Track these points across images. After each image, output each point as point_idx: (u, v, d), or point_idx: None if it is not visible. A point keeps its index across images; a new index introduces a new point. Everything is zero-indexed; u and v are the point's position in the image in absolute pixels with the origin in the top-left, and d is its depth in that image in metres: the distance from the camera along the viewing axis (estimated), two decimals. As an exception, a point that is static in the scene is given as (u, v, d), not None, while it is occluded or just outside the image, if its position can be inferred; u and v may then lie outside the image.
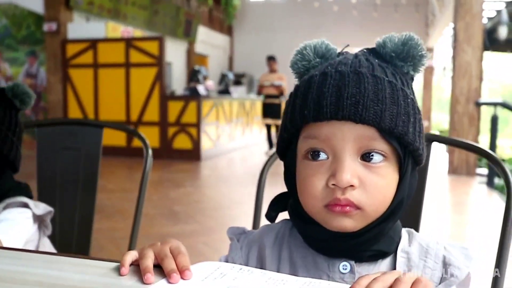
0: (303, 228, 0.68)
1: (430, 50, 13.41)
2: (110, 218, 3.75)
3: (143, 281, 0.56)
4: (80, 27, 7.79)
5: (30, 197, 1.08)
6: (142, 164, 1.27)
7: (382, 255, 0.66)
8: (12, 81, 8.18)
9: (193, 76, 8.32)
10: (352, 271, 0.65)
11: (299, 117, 0.62)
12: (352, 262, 0.65)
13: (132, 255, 0.61)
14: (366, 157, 0.60)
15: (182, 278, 0.58)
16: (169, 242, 0.63)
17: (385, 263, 0.67)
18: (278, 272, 0.67)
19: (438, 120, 15.99)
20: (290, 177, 0.69)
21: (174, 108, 7.36)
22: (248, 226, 3.21)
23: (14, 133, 1.06)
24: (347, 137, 0.59)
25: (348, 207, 0.60)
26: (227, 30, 14.56)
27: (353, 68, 0.61)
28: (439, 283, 0.64)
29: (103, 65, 7.59)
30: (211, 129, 7.71)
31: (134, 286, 0.56)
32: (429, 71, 13.65)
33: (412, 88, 0.66)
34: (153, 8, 9.95)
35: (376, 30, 13.54)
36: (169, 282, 0.57)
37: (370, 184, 0.60)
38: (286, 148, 0.69)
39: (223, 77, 9.76)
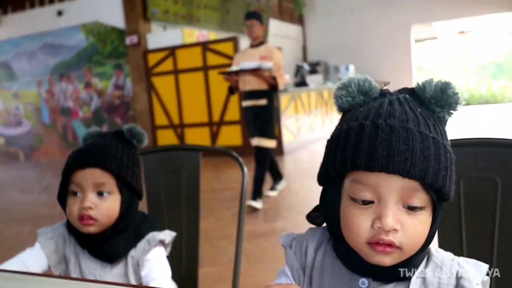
0: (337, 246, 0.76)
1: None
2: (203, 218, 3.95)
3: None
4: (159, 36, 8.14)
5: (157, 227, 1.21)
6: (227, 163, 1.37)
7: (401, 278, 0.72)
8: (104, 94, 8.80)
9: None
10: (369, 286, 0.72)
11: (350, 164, 0.68)
12: (370, 280, 0.72)
13: None
14: (408, 206, 0.68)
15: None
16: (292, 285, 0.69)
17: (404, 284, 0.73)
18: (310, 275, 0.78)
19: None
20: (330, 204, 0.75)
21: (253, 106, 7.49)
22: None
23: (137, 167, 1.18)
24: (393, 187, 0.66)
25: (389, 248, 0.67)
26: (298, 19, 14.45)
27: (402, 124, 0.67)
28: None
29: (182, 70, 7.90)
30: (291, 122, 7.76)
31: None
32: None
33: (446, 135, 0.72)
34: (224, 8, 10.14)
35: (457, 1, 12.73)
36: None
37: (410, 228, 0.67)
38: (327, 180, 0.75)
39: (298, 69, 9.76)
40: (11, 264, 1.10)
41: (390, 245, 0.67)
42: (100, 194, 1.10)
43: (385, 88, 0.76)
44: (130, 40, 8.06)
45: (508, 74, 18.28)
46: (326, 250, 0.78)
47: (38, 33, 9.19)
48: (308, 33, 14.77)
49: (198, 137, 7.96)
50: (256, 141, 4.50)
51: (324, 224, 0.81)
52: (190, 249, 1.36)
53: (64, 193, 1.13)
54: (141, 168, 1.21)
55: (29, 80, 9.62)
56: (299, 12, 13.91)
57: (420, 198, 0.67)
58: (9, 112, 10.08)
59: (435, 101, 0.70)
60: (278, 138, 7.31)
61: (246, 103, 4.54)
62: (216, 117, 7.78)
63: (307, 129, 8.49)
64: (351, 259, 0.74)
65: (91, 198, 1.09)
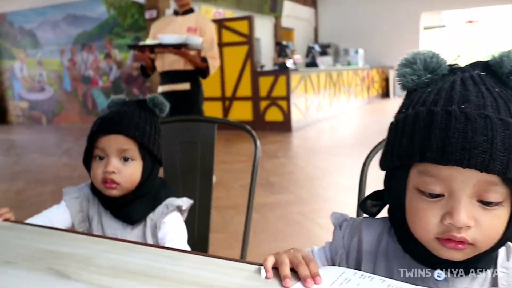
0: (405, 241, 0.68)
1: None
2: (214, 188, 3.97)
3: (282, 284, 0.62)
4: (177, 12, 8.04)
5: (174, 194, 1.22)
6: (238, 137, 1.38)
7: (478, 269, 0.65)
8: (123, 65, 8.78)
9: (281, 51, 8.31)
10: (446, 279, 0.65)
11: (418, 155, 0.58)
12: (448, 273, 0.64)
13: (271, 261, 0.66)
14: (483, 201, 0.58)
15: (314, 283, 0.62)
16: (299, 250, 0.67)
17: (482, 276, 0.66)
18: (373, 269, 0.70)
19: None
20: (394, 194, 0.67)
21: (265, 83, 7.46)
22: (338, 195, 3.26)
23: (159, 136, 1.18)
24: (468, 181, 0.57)
25: (461, 245, 0.59)
26: (311, 2, 14.22)
27: (479, 110, 0.56)
28: None
29: (198, 46, 7.83)
30: (300, 101, 7.72)
31: (277, 288, 0.61)
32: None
33: None
34: (241, -13, 9.99)
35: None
36: (304, 286, 0.61)
37: (485, 225, 0.58)
38: (391, 168, 0.67)
39: (309, 50, 9.65)
40: (37, 219, 1.11)
41: (462, 242, 0.58)
42: (123, 159, 1.10)
43: (455, 63, 0.65)
44: (149, 14, 7.98)
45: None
46: (388, 242, 0.71)
47: (62, 3, 9.14)
48: (321, 15, 14.56)
49: (210, 111, 7.95)
50: None
51: (381, 215, 0.74)
52: (202, 216, 1.37)
53: (89, 157, 1.13)
54: (161, 137, 1.21)
55: (53, 48, 9.62)
56: (313, -6, 13.65)
57: (498, 192, 0.57)
58: (33, 78, 10.12)
59: None
60: (287, 115, 7.31)
61: (163, 88, 3.41)
62: (228, 93, 7.75)
63: (315, 108, 8.44)
64: (420, 252, 0.66)
65: (115, 163, 1.09)
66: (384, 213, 0.75)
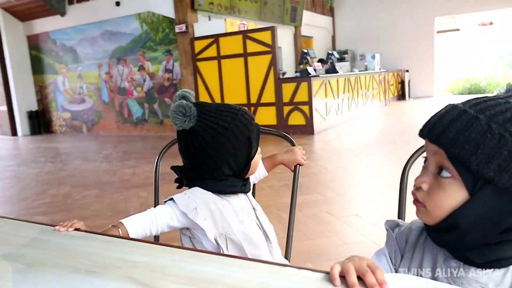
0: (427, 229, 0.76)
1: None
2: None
3: None
4: (204, 25, 8.11)
5: None
6: (264, 140, 1.37)
7: (492, 265, 0.67)
8: (155, 76, 8.90)
9: (302, 58, 8.27)
10: (459, 269, 0.70)
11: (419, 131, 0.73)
12: (461, 264, 0.69)
13: (338, 269, 0.65)
14: (439, 171, 0.68)
15: None
16: (364, 258, 0.66)
17: (498, 276, 0.67)
18: (410, 259, 0.76)
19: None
20: None
21: (287, 89, 7.44)
22: (363, 194, 3.20)
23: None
24: (430, 152, 0.69)
25: (417, 202, 0.71)
26: (329, 11, 14.14)
27: (459, 104, 0.68)
28: None
29: (224, 56, 7.88)
30: (321, 105, 7.67)
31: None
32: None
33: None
34: (262, 0, 10.01)
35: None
36: None
37: (434, 193, 0.68)
38: None
39: (328, 57, 9.58)
40: (135, 223, 1.06)
41: (417, 200, 0.70)
42: None
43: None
44: (179, 28, 8.08)
45: (525, 64, 17.49)
46: (427, 236, 0.76)
47: (99, 21, 9.33)
48: (338, 23, 14.45)
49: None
50: None
51: None
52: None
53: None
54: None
55: (91, 63, 9.82)
56: (330, 4, 13.60)
57: (447, 167, 0.66)
58: (74, 91, 10.36)
59: None
60: (309, 119, 7.28)
61: None
62: (253, 99, 7.77)
63: (335, 112, 8.38)
64: (430, 234, 0.73)
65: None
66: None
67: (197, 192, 1.12)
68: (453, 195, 0.65)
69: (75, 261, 0.78)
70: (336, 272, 0.64)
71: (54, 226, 0.97)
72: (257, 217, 1.19)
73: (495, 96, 0.68)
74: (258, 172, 1.35)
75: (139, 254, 0.80)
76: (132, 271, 0.72)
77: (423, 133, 0.70)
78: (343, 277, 0.64)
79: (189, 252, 0.79)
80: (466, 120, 0.63)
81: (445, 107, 0.68)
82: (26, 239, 0.92)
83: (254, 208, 1.20)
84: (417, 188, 0.69)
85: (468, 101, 0.67)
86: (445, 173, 0.66)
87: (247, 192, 1.19)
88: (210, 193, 1.12)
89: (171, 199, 1.11)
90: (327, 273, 0.66)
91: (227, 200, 1.14)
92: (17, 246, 0.89)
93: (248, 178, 1.20)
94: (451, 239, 0.68)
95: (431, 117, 0.69)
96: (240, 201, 1.17)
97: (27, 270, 0.76)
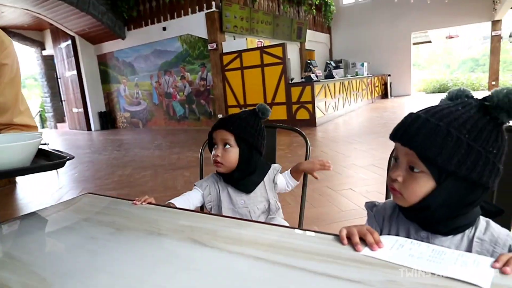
0: (400, 209, 0.74)
1: (497, 22, 11.21)
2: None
3: (355, 249, 0.62)
4: (230, 43, 8.05)
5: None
6: (282, 132, 1.36)
7: (452, 232, 0.68)
8: (193, 83, 8.92)
9: (306, 67, 8.17)
10: (428, 238, 0.69)
11: (391, 136, 0.70)
12: (429, 233, 0.70)
13: (345, 232, 0.66)
14: (410, 167, 0.66)
15: (378, 247, 0.62)
16: (363, 225, 0.67)
17: (457, 240, 0.68)
18: (389, 231, 0.74)
19: (505, 79, 13.52)
20: None
21: (295, 92, 7.37)
22: (356, 173, 3.18)
23: (256, 130, 1.14)
24: (403, 153, 0.67)
25: (395, 192, 0.69)
26: (327, 29, 13.86)
27: (423, 115, 0.65)
28: None
29: (246, 67, 7.82)
30: (321, 103, 7.59)
31: (351, 252, 0.62)
32: (497, 39, 11.48)
33: (484, 135, 0.62)
34: (275, 22, 9.87)
35: (448, 12, 11.71)
36: (371, 250, 0.61)
37: (408, 184, 0.67)
38: None
39: (327, 65, 9.43)
40: (180, 199, 1.13)
41: (395, 189, 0.68)
42: (225, 146, 1.11)
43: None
44: (211, 46, 8.06)
45: (483, 68, 16.97)
46: (399, 212, 0.75)
47: (150, 42, 9.36)
48: (334, 39, 14.17)
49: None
50: None
51: None
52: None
53: (211, 145, 1.17)
54: (262, 132, 1.17)
55: (145, 74, 9.89)
56: (328, 24, 13.34)
57: (418, 165, 0.64)
58: (132, 96, 10.48)
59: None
60: (312, 114, 7.22)
61: None
62: (269, 99, 7.73)
63: (333, 108, 8.28)
64: (404, 213, 0.73)
65: (220, 149, 1.12)
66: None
67: (211, 177, 1.21)
68: (424, 185, 0.65)
69: (150, 226, 0.80)
70: (344, 234, 0.65)
71: (132, 200, 0.98)
72: (249, 212, 1.17)
73: (445, 105, 0.66)
74: (289, 183, 1.29)
75: (197, 222, 0.81)
76: (191, 233, 0.74)
77: (395, 137, 0.67)
78: (349, 238, 0.65)
79: (230, 220, 0.80)
80: (430, 127, 0.62)
81: (409, 115, 0.65)
82: (115, 210, 0.94)
83: (247, 207, 1.17)
84: (393, 180, 0.68)
85: (427, 110, 0.65)
86: (416, 169, 0.65)
87: (246, 192, 1.16)
88: (220, 178, 1.19)
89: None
90: (337, 235, 0.67)
91: (228, 188, 1.18)
92: (109, 216, 0.90)
93: (249, 180, 1.16)
94: (423, 216, 0.68)
95: (400, 125, 0.67)
96: (237, 194, 1.17)
97: (117, 233, 0.78)
